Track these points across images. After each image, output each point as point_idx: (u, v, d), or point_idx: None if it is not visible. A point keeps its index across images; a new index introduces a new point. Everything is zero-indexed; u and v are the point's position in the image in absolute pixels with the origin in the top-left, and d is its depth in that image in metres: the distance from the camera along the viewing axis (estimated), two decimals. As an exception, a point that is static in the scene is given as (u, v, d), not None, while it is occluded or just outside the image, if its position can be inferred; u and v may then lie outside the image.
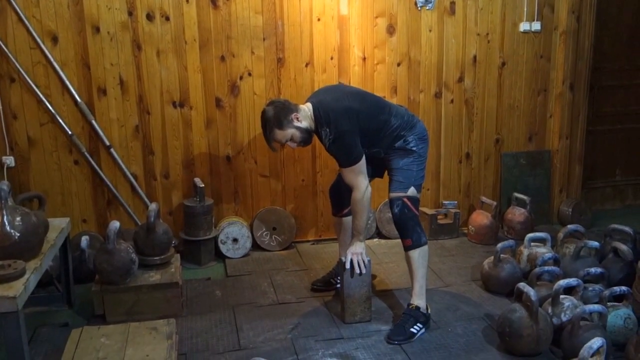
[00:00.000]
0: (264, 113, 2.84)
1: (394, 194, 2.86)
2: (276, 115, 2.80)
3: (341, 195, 3.17)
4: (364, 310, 2.93)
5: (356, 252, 2.87)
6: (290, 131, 2.82)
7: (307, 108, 2.86)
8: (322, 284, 3.32)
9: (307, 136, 2.87)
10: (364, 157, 2.82)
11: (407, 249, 2.87)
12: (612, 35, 4.43)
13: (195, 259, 3.69)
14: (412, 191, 2.85)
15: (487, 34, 4.08)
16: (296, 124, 2.81)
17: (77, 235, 3.48)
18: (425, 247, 2.88)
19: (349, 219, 3.21)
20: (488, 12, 4.04)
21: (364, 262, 2.87)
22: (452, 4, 3.96)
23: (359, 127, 2.80)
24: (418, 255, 2.86)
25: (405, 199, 2.82)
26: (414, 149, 2.90)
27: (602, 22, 4.31)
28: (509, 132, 4.28)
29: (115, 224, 2.93)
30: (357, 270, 2.86)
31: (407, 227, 2.83)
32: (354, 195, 2.86)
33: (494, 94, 4.19)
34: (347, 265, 2.86)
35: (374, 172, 3.10)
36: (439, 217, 4.12)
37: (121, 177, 3.65)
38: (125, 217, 3.67)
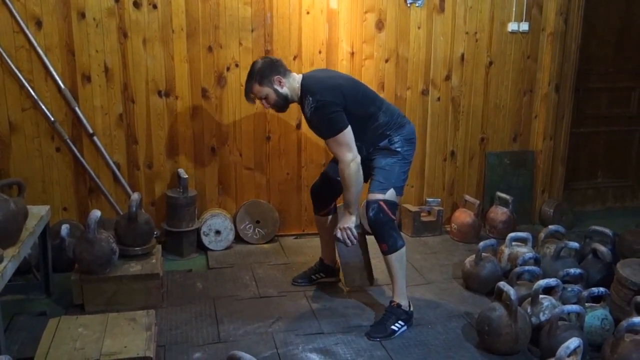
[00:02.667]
0: (253, 63, 2.88)
1: (371, 196, 2.80)
2: (261, 69, 2.82)
3: (322, 195, 3.16)
4: (362, 277, 2.94)
5: (344, 227, 2.82)
6: (267, 90, 2.83)
7: (297, 78, 2.87)
8: (302, 279, 3.32)
9: (282, 102, 2.87)
10: (349, 129, 2.74)
11: (383, 253, 2.83)
12: (598, 38, 4.47)
13: (177, 251, 3.66)
14: (390, 194, 2.79)
15: (476, 32, 4.08)
16: (276, 86, 2.82)
17: (57, 223, 3.43)
18: (402, 250, 2.83)
19: (328, 218, 3.21)
20: (477, 10, 4.05)
21: (353, 235, 2.82)
22: (442, 1, 3.96)
23: (345, 107, 2.75)
24: (395, 259, 2.83)
25: (382, 203, 2.76)
26: (399, 149, 2.87)
27: (589, 24, 4.34)
28: (494, 132, 4.30)
29: (96, 213, 2.90)
30: (348, 244, 2.84)
31: (383, 231, 2.78)
32: (339, 167, 2.80)
33: (481, 93, 4.20)
34: (338, 238, 2.85)
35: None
36: (422, 214, 4.14)
37: (104, 165, 3.61)
38: (106, 206, 3.63)
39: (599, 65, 4.53)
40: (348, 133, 2.74)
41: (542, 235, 3.46)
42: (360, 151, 2.86)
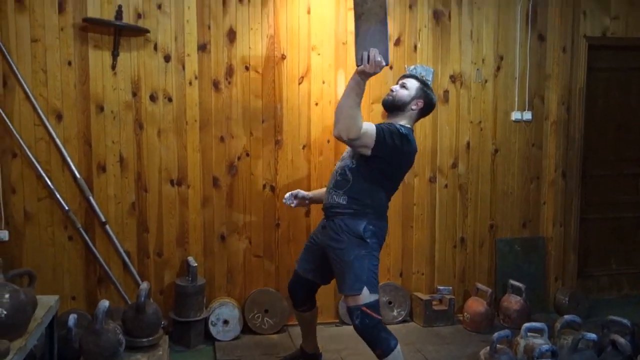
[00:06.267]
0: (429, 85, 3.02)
1: (350, 301, 2.70)
2: (429, 95, 2.92)
3: (299, 292, 3.11)
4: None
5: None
6: (412, 92, 2.87)
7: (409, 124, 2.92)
8: None
9: (399, 103, 2.87)
10: (372, 129, 2.70)
11: (379, 357, 2.71)
12: (599, 127, 4.56)
13: (184, 341, 3.59)
14: (365, 294, 2.67)
15: (480, 121, 4.20)
16: (414, 102, 2.88)
17: (65, 312, 3.40)
18: (397, 349, 2.69)
19: (307, 314, 3.16)
20: (480, 101, 4.18)
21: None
22: (446, 92, 4.11)
23: (395, 155, 2.77)
24: None
25: (364, 308, 2.66)
26: (368, 240, 2.75)
27: (590, 113, 4.45)
28: (503, 218, 4.31)
29: (104, 304, 2.88)
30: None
31: (372, 337, 2.67)
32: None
33: (488, 180, 4.25)
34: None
35: (316, 269, 3.01)
36: (433, 302, 4.06)
37: (114, 254, 3.62)
38: (115, 295, 3.61)
39: (602, 153, 4.60)
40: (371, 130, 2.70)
41: (558, 325, 3.38)
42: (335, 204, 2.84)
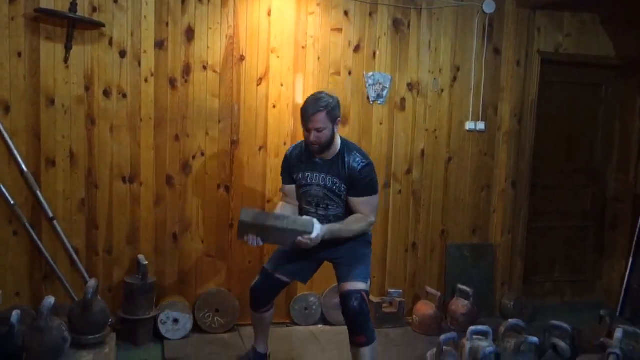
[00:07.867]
0: (320, 94, 2.84)
1: (352, 285, 2.78)
2: (333, 104, 2.80)
3: (265, 295, 3.09)
4: None
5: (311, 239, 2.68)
6: (329, 125, 2.77)
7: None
8: None
9: (327, 143, 2.82)
10: None
11: (359, 345, 2.76)
12: (551, 139, 4.71)
13: (132, 339, 3.54)
14: (369, 284, 2.86)
15: (435, 130, 4.28)
16: (335, 127, 2.84)
17: (8, 308, 3.29)
18: (376, 342, 2.82)
19: (267, 314, 3.15)
20: (436, 109, 4.27)
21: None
22: (403, 100, 4.18)
23: None
24: (370, 352, 2.78)
25: (364, 293, 2.77)
26: (370, 241, 3.01)
27: (541, 125, 4.59)
28: (454, 225, 4.40)
29: (49, 300, 2.82)
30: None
31: (363, 322, 2.76)
32: (358, 224, 2.85)
33: (441, 187, 4.34)
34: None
35: (300, 271, 3.05)
36: (384, 305, 4.12)
37: (61, 250, 3.54)
38: (61, 292, 3.53)
39: (552, 164, 4.75)
40: (378, 198, 2.93)
41: (502, 329, 3.46)
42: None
